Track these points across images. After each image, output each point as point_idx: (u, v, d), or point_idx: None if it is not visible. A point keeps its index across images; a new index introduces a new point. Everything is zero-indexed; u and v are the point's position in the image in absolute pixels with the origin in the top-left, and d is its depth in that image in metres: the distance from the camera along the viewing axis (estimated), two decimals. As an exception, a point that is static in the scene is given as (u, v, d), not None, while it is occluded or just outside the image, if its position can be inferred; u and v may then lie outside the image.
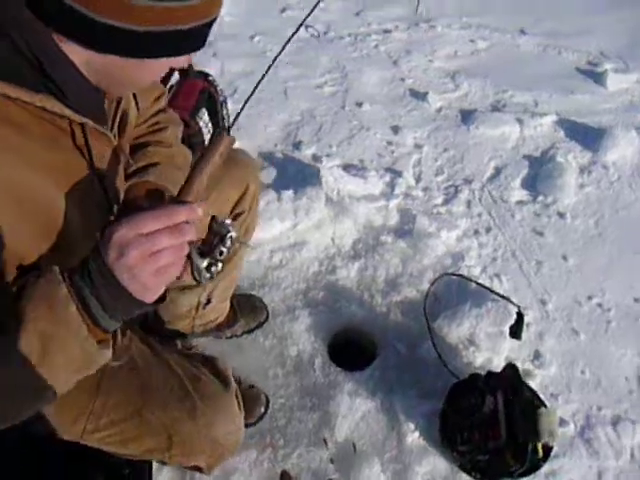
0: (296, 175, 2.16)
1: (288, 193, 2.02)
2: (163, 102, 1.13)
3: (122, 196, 0.92)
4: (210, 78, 2.15)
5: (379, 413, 1.59)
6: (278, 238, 1.99)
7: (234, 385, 1.09)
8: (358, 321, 1.82)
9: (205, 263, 0.75)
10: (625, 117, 2.47)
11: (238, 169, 1.32)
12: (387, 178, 2.16)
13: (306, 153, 2.28)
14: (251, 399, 1.55)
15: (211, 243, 0.75)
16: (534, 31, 3.10)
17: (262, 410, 1.55)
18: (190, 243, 0.69)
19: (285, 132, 2.39)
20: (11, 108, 0.65)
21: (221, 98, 2.18)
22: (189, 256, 0.72)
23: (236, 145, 2.32)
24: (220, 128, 0.71)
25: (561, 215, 2.09)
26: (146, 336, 1.13)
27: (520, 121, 2.43)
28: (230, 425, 1.05)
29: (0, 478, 1.09)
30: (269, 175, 2.18)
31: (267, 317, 1.78)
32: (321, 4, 3.18)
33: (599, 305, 1.84)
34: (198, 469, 1.12)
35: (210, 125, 2.13)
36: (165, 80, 2.05)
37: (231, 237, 0.75)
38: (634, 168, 2.26)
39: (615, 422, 1.58)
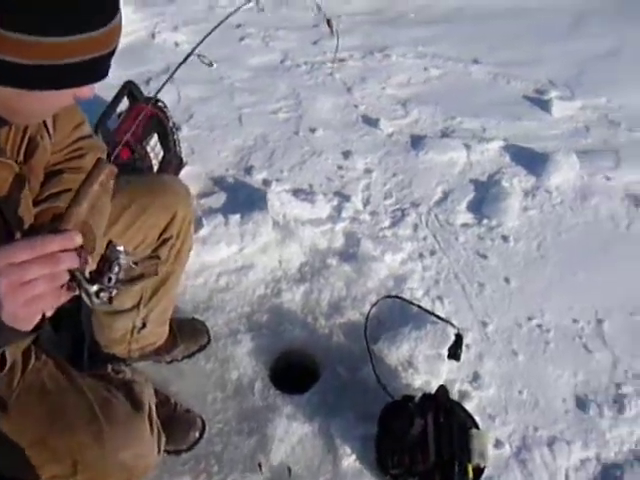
0: (245, 200, 2.18)
1: (235, 217, 2.04)
2: (85, 129, 1.14)
3: (28, 222, 0.93)
4: (159, 104, 2.18)
5: (316, 437, 1.58)
6: (225, 261, 1.99)
7: (147, 408, 1.08)
8: (300, 344, 1.83)
9: (94, 289, 0.75)
10: (568, 142, 2.55)
11: (166, 196, 1.34)
12: (335, 202, 2.19)
13: (257, 178, 2.31)
14: (186, 424, 1.54)
15: (102, 269, 0.76)
16: (487, 60, 3.19)
17: (197, 435, 1.54)
18: (73, 270, 0.69)
19: (238, 157, 2.42)
20: None
21: (170, 123, 2.20)
22: (79, 285, 0.72)
23: (188, 169, 2.32)
24: (106, 161, 0.71)
25: (504, 238, 2.13)
26: (62, 361, 1.12)
27: (468, 146, 2.49)
28: (139, 448, 1.03)
29: None
30: (218, 200, 2.20)
31: (209, 341, 1.78)
32: (280, 32, 3.27)
33: (539, 326, 1.87)
34: None
35: (158, 150, 2.15)
36: (114, 106, 2.07)
37: (119, 263, 0.75)
38: (576, 192, 2.32)
39: (551, 443, 1.59)
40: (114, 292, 0.76)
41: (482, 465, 1.42)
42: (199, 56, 0.85)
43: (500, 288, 1.97)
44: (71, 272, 0.68)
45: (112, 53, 0.76)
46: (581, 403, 1.68)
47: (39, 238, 0.65)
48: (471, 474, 1.39)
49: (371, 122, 2.64)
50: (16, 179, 0.85)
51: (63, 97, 0.78)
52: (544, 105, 2.81)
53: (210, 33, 0.84)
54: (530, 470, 1.53)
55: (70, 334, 1.64)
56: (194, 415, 1.56)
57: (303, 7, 3.45)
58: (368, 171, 2.39)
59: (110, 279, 0.74)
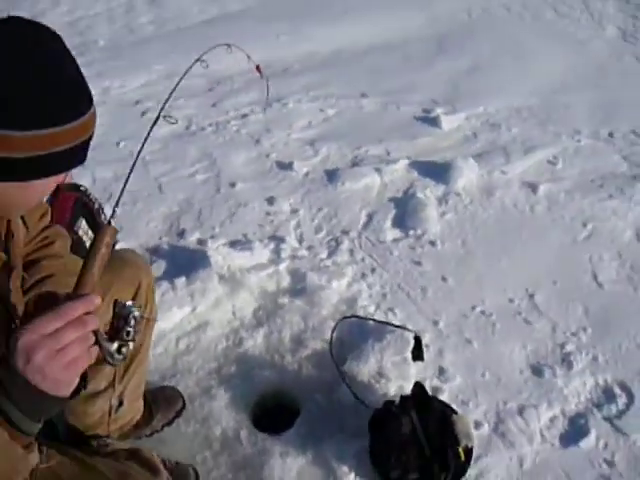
0: (185, 262, 2.22)
1: (181, 280, 2.07)
2: (48, 219, 1.19)
3: (21, 309, 0.95)
4: (82, 188, 2.20)
5: (313, 466, 1.62)
6: (180, 325, 2.01)
7: (163, 471, 1.10)
8: (274, 384, 1.87)
9: (115, 346, 0.79)
10: (462, 149, 2.84)
11: (127, 269, 1.37)
12: (272, 245, 2.29)
13: (191, 239, 2.36)
14: (179, 476, 1.53)
15: (117, 326, 0.80)
16: (374, 92, 3.50)
17: None
18: (96, 331, 0.74)
19: (167, 224, 2.47)
20: None
21: (96, 205, 2.22)
22: (98, 343, 0.76)
23: (122, 244, 2.33)
24: (106, 223, 0.77)
25: (432, 243, 2.33)
26: (65, 447, 1.11)
27: (378, 170, 2.70)
28: None
29: None
30: (159, 268, 2.22)
31: (184, 404, 1.77)
32: (179, 101, 3.38)
33: (482, 312, 2.05)
34: None
35: (90, 233, 2.16)
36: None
37: (134, 316, 0.81)
38: (480, 189, 2.59)
39: (521, 411, 1.74)
40: (131, 345, 0.81)
41: (470, 445, 1.53)
42: (165, 117, 0.94)
43: (440, 288, 2.15)
44: (94, 333, 0.73)
45: (92, 136, 0.83)
46: (536, 370, 1.86)
47: (64, 306, 0.69)
48: (463, 456, 1.50)
49: (285, 166, 2.79)
50: (4, 269, 0.88)
51: (46, 185, 0.83)
52: (433, 122, 3.12)
53: (173, 90, 0.93)
54: (510, 440, 1.66)
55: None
56: (184, 466, 1.56)
57: (196, 75, 3.61)
58: (294, 211, 2.52)
59: (128, 333, 0.80)
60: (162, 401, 1.74)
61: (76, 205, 2.12)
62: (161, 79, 3.72)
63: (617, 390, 1.80)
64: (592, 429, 1.68)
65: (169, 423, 1.74)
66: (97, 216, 2.24)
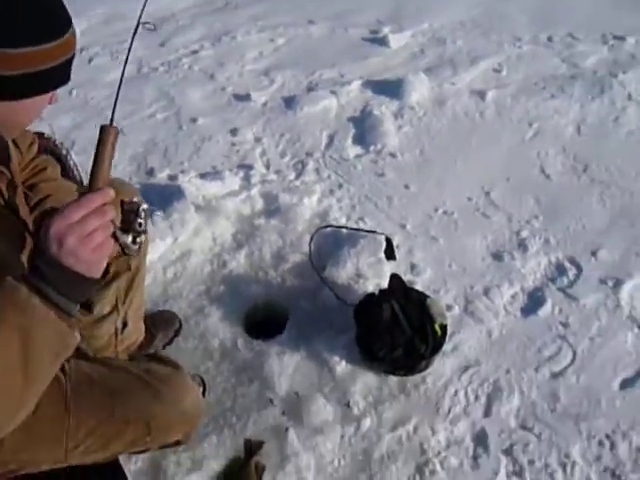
0: (160, 197, 2.28)
1: (159, 214, 2.15)
2: (36, 147, 1.25)
3: (30, 226, 1.03)
4: (46, 136, 2.21)
5: (308, 360, 1.79)
6: (165, 255, 2.10)
7: (181, 365, 1.23)
8: (262, 297, 2.01)
9: (130, 238, 0.88)
10: (412, 65, 2.95)
11: (127, 186, 1.50)
12: (241, 173, 2.37)
13: (161, 176, 2.42)
14: None
15: (129, 220, 0.89)
16: (320, 18, 3.52)
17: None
18: (112, 223, 0.81)
19: (135, 165, 2.51)
20: None
21: (64, 151, 2.24)
22: (115, 236, 0.84)
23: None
24: (107, 124, 0.82)
25: (393, 155, 2.46)
26: (92, 357, 1.24)
27: (334, 93, 2.79)
28: (192, 395, 1.19)
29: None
30: (135, 206, 2.29)
31: (181, 324, 1.90)
32: (125, 43, 3.32)
33: (444, 212, 2.22)
34: (177, 443, 1.25)
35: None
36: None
37: (143, 209, 0.90)
38: (432, 101, 2.72)
39: (486, 292, 1.94)
40: (143, 237, 0.90)
41: (444, 322, 1.73)
42: (144, 24, 1.00)
43: (405, 195, 2.30)
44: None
45: (74, 57, 0.90)
46: (496, 256, 2.06)
47: (85, 198, 0.76)
48: (440, 331, 1.69)
49: (243, 98, 2.84)
50: (10, 185, 0.95)
51: (36, 105, 0.89)
52: (382, 41, 3.19)
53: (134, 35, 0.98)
54: (479, 316, 1.87)
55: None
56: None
57: (134, 16, 3.53)
58: (258, 139, 2.60)
59: (140, 224, 0.89)
60: (161, 323, 1.86)
61: (45, 152, 2.14)
62: (101, 24, 3.62)
63: (567, 264, 2.02)
64: (548, 299, 1.91)
65: (169, 342, 1.86)
66: (65, 160, 2.27)
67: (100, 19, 3.66)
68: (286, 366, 1.78)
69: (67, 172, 2.25)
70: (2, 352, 0.72)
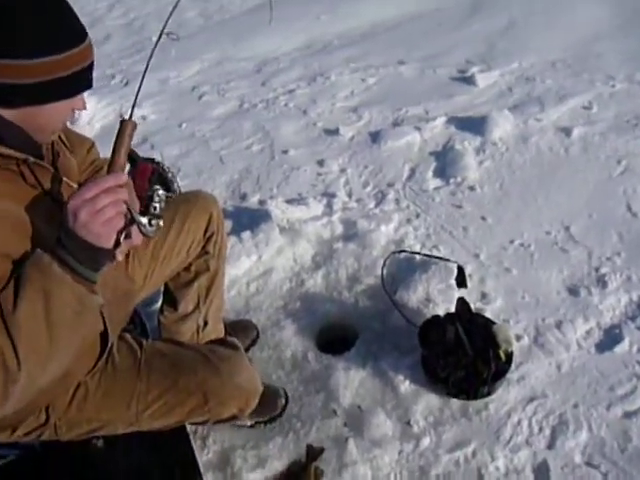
0: (249, 219, 2.50)
1: (247, 233, 2.35)
2: (96, 151, 1.46)
3: None
4: (156, 160, 2.52)
5: (372, 377, 1.86)
6: (249, 271, 2.29)
7: (241, 347, 1.38)
8: (335, 315, 2.12)
9: (146, 219, 0.97)
10: (498, 103, 3.00)
11: (201, 201, 1.65)
12: (325, 200, 2.54)
13: (252, 201, 2.64)
14: (271, 394, 1.77)
15: (146, 204, 1.00)
16: (410, 59, 3.68)
17: (283, 401, 1.78)
18: (130, 208, 0.92)
19: (230, 190, 2.76)
20: None
21: (169, 174, 2.54)
22: (132, 217, 0.94)
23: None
24: (127, 118, 0.94)
25: (471, 188, 2.51)
26: (167, 338, 1.42)
27: (418, 128, 2.90)
28: (247, 373, 1.33)
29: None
30: (227, 226, 2.50)
31: (258, 333, 2.05)
32: (231, 83, 3.68)
33: (521, 245, 2.23)
34: (234, 418, 1.38)
35: (164, 198, 2.47)
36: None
37: (158, 194, 1.01)
38: (516, 138, 2.74)
39: (558, 325, 1.92)
40: (161, 222, 1.01)
41: (510, 349, 1.74)
42: (168, 34, 1.12)
43: (481, 226, 2.34)
44: (126, 208, 0.91)
45: (92, 64, 0.98)
46: (572, 290, 2.03)
47: (99, 179, 0.87)
48: (504, 357, 1.71)
49: (332, 132, 3.04)
50: (54, 179, 1.07)
51: (64, 109, 0.99)
52: (469, 80, 3.27)
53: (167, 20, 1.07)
54: (549, 349, 1.85)
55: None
56: (275, 386, 1.82)
57: (244, 58, 3.91)
58: (343, 170, 2.76)
59: (155, 208, 1.00)
60: (240, 330, 2.03)
61: (153, 175, 2.44)
62: (212, 66, 4.03)
63: (650, 303, 1.95)
64: (626, 337, 1.85)
65: (246, 350, 2.02)
66: (171, 184, 2.56)
67: (212, 62, 4.07)
68: (351, 380, 1.86)
69: (172, 193, 2.54)
70: (28, 310, 0.85)
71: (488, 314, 1.97)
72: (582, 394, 1.72)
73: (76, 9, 0.95)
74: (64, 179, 1.12)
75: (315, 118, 3.21)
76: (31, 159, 0.98)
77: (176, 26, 4.95)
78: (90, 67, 0.98)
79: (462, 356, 1.69)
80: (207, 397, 1.26)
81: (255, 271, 2.30)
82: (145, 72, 1.04)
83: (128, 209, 0.93)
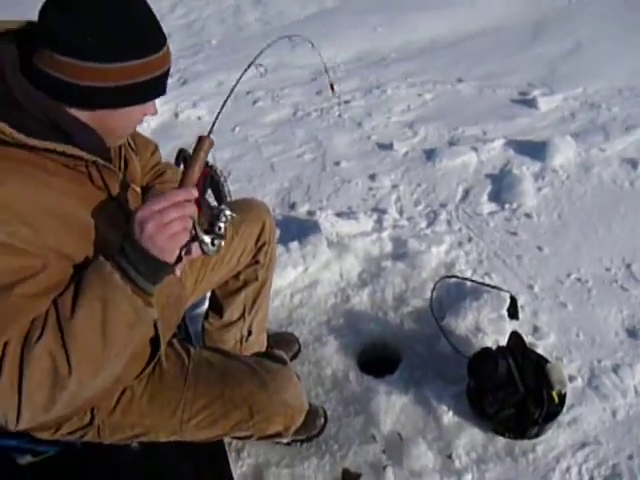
0: (297, 229, 2.48)
1: (294, 244, 2.33)
2: (158, 154, 1.45)
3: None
4: (209, 164, 2.53)
5: (415, 404, 1.81)
6: (294, 282, 2.27)
7: (289, 362, 1.35)
8: (379, 335, 2.08)
9: (209, 238, 0.96)
10: (560, 128, 2.90)
11: (255, 210, 1.63)
12: (375, 216, 2.50)
13: (301, 211, 2.62)
14: (311, 413, 1.72)
15: (211, 222, 0.97)
16: (469, 77, 3.61)
17: (322, 421, 1.75)
18: (194, 224, 0.91)
19: (279, 198, 2.75)
20: (47, 161, 0.91)
21: (222, 178, 2.54)
22: (196, 234, 0.93)
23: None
24: (205, 135, 0.94)
25: (528, 216, 2.43)
26: (214, 347, 1.41)
27: (475, 149, 2.83)
28: (294, 390, 1.30)
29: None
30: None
31: (299, 348, 2.03)
32: (286, 90, 3.68)
33: (578, 279, 2.13)
34: (278, 435, 1.34)
35: (214, 202, 2.47)
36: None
37: (224, 214, 0.98)
38: (578, 166, 2.64)
39: (615, 369, 1.82)
40: (223, 242, 0.99)
41: (563, 391, 1.66)
42: (257, 66, 1.13)
43: (536, 256, 2.25)
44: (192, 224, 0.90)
45: (169, 70, 0.98)
46: (632, 332, 1.93)
47: (170, 192, 0.87)
48: (557, 399, 1.63)
49: (386, 147, 2.99)
50: (121, 183, 1.07)
51: (137, 114, 0.99)
52: (531, 103, 3.18)
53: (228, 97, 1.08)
54: (604, 393, 1.76)
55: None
56: (314, 405, 1.79)
57: (299, 66, 3.91)
58: (395, 186, 2.71)
59: (220, 228, 0.98)
60: (282, 343, 2.00)
61: (206, 178, 2.45)
62: (268, 72, 4.03)
63: None
64: (689, 388, 1.74)
65: (287, 363, 1.99)
66: (222, 188, 2.56)
67: (269, 67, 4.07)
68: (393, 405, 1.81)
69: (222, 197, 2.54)
70: (86, 318, 0.85)
71: (540, 350, 1.89)
72: (638, 444, 1.62)
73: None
74: (131, 185, 1.12)
75: (369, 131, 3.17)
76: (100, 161, 0.98)
77: (236, 30, 5.02)
78: (167, 73, 0.98)
79: (512, 393, 1.61)
80: (252, 411, 1.24)
81: (300, 283, 2.27)
82: (227, 99, 1.09)
83: (194, 225, 0.92)
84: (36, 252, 0.87)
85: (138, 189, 1.18)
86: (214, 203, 2.45)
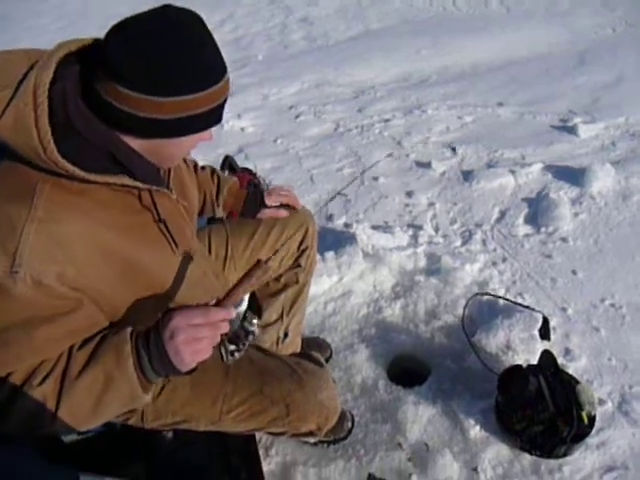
0: (334, 240, 2.54)
1: (330, 254, 2.39)
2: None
3: (193, 237, 1.22)
4: (253, 172, 2.62)
5: (442, 416, 1.83)
6: (328, 291, 2.33)
7: (326, 365, 1.40)
8: (409, 347, 2.11)
9: (232, 348, 1.01)
10: (600, 156, 2.91)
11: (299, 215, 1.70)
12: (410, 232, 2.54)
13: (338, 222, 2.69)
14: (339, 417, 1.79)
15: (238, 335, 1.02)
16: (510, 102, 3.65)
17: (349, 425, 1.79)
18: (223, 340, 0.97)
19: (317, 209, 2.82)
20: (101, 191, 0.94)
21: (264, 187, 2.64)
22: (222, 341, 0.98)
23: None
24: (264, 262, 1.03)
25: (564, 240, 2.44)
26: (255, 345, 1.47)
27: (513, 172, 2.86)
28: (330, 391, 1.35)
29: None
30: (312, 243, 2.57)
31: (331, 353, 2.08)
32: (328, 107, 3.78)
33: (612, 305, 2.13)
34: (311, 434, 1.39)
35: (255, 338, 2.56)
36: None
37: (254, 334, 1.03)
38: (616, 194, 2.65)
39: (647, 396, 1.82)
40: (241, 354, 1.04)
41: (593, 413, 1.66)
42: (341, 194, 1.13)
43: (570, 280, 2.26)
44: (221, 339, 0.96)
45: (226, 99, 0.99)
46: (666, 362, 1.92)
47: (210, 309, 0.91)
48: (586, 420, 1.64)
49: (424, 165, 3.05)
50: (170, 202, 1.11)
51: (192, 142, 1.01)
52: (571, 130, 3.20)
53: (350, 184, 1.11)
54: (634, 418, 1.75)
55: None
56: (343, 409, 1.82)
57: (342, 84, 4.01)
58: (431, 204, 2.76)
59: (244, 344, 1.03)
60: (314, 347, 2.05)
61: (250, 185, 2.55)
62: (311, 88, 4.16)
63: None
64: None
65: (319, 367, 2.04)
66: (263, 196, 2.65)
67: (312, 84, 4.21)
68: (420, 416, 1.84)
69: (263, 203, 2.63)
70: (89, 385, 0.90)
71: (571, 372, 1.89)
72: (667, 473, 1.61)
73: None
74: (178, 203, 1.15)
75: (408, 149, 3.24)
76: (153, 187, 1.01)
77: (281, 47, 5.17)
78: (224, 102, 0.99)
79: (542, 411, 1.63)
80: (289, 409, 1.29)
81: (334, 292, 2.33)
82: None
83: (222, 341, 0.97)
84: (75, 295, 0.91)
85: (186, 203, 1.20)
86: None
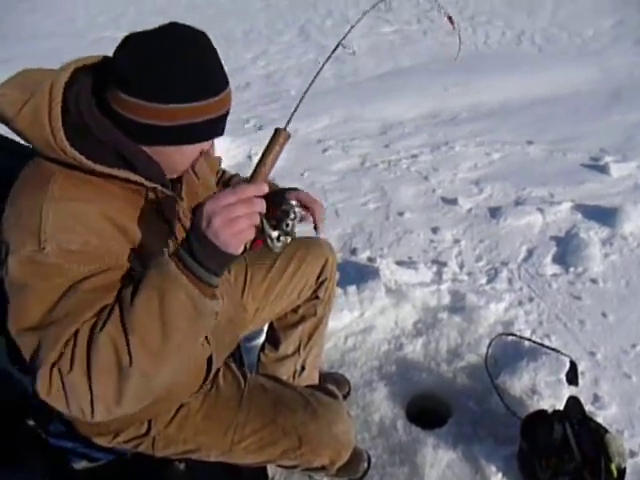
0: (356, 274, 2.53)
1: (352, 288, 2.37)
2: (220, 172, 1.55)
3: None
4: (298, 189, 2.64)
5: (462, 461, 1.77)
6: (349, 326, 2.30)
7: (341, 397, 1.37)
8: (429, 387, 2.06)
9: (276, 234, 0.94)
10: (633, 196, 2.84)
11: (318, 247, 1.69)
12: (435, 268, 2.51)
13: (362, 257, 2.67)
14: (354, 457, 1.70)
15: (280, 218, 0.96)
16: (540, 140, 3.62)
17: (365, 465, 1.74)
18: (262, 218, 0.89)
19: (341, 243, 2.82)
20: (113, 186, 0.98)
21: (292, 213, 2.65)
22: (263, 228, 0.91)
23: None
24: (282, 128, 0.95)
25: (593, 281, 2.37)
26: (270, 375, 1.46)
27: (541, 210, 2.81)
28: (344, 425, 1.32)
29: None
30: (334, 277, 2.56)
31: (349, 390, 2.04)
32: (355, 141, 3.81)
33: (644, 351, 2.05)
34: (323, 469, 1.35)
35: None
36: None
37: (294, 212, 0.96)
38: (650, 236, 2.57)
39: (682, 450, 1.72)
40: (289, 239, 0.96)
41: (622, 465, 1.58)
42: (344, 47, 1.08)
43: (600, 322, 2.18)
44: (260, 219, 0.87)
45: (228, 112, 1.01)
46: (702, 413, 1.82)
47: (239, 187, 0.85)
48: (615, 473, 1.55)
49: (450, 202, 3.03)
50: (182, 212, 1.12)
51: (194, 151, 1.03)
52: (602, 169, 3.15)
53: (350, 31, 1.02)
54: (668, 473, 1.66)
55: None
56: (359, 449, 1.78)
57: (369, 119, 4.06)
58: (457, 241, 2.73)
59: (288, 225, 0.96)
60: (332, 383, 2.01)
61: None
62: (340, 123, 4.22)
63: None
64: None
65: (336, 404, 2.00)
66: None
67: (340, 119, 4.26)
68: (440, 459, 1.77)
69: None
70: (143, 307, 0.86)
71: (600, 419, 1.81)
72: (703, 535, 1.51)
73: (225, 57, 1.00)
74: (184, 206, 1.15)
75: (435, 185, 3.22)
76: (159, 188, 1.03)
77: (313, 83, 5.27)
78: (225, 115, 1.01)
79: (567, 460, 1.55)
80: (302, 441, 1.26)
81: (355, 327, 2.30)
82: (307, 90, 1.07)
83: (261, 221, 0.90)
84: (103, 256, 0.94)
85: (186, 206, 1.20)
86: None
